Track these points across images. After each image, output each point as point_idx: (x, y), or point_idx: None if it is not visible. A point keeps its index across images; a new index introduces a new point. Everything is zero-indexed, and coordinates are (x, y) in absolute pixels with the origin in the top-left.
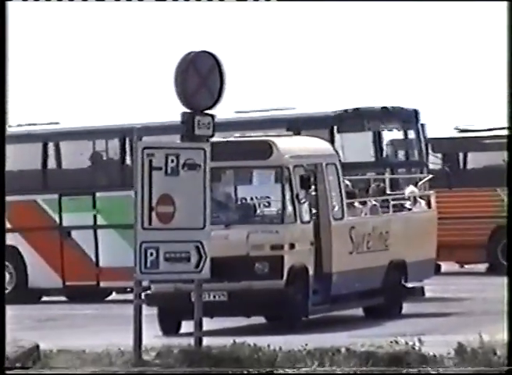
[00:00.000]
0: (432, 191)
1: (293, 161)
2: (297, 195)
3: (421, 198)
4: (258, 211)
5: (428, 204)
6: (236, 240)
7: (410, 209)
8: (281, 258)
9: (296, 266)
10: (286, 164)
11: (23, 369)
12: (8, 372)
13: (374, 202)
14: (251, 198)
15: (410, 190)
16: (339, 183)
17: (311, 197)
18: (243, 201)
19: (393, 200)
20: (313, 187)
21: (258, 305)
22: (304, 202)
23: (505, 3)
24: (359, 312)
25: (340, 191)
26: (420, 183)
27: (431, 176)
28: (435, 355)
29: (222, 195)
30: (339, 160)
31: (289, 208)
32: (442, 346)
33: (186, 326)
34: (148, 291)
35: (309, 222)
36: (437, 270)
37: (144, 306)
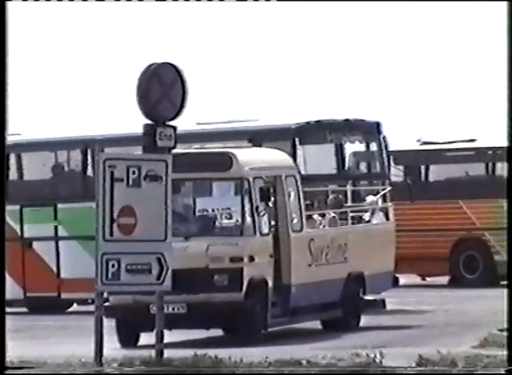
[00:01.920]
0: (390, 203)
1: (253, 173)
2: (257, 207)
3: (379, 210)
4: (218, 223)
5: (387, 216)
6: (196, 252)
7: (368, 221)
8: (240, 271)
9: (255, 279)
10: (246, 176)
11: (23, 368)
12: (8, 372)
13: (332, 214)
14: (211, 210)
15: (370, 200)
16: (299, 195)
17: (270, 209)
18: (203, 213)
19: (352, 212)
20: (272, 199)
21: (218, 317)
22: (264, 214)
23: (505, 3)
24: (317, 324)
25: (299, 203)
26: (379, 194)
27: (390, 188)
28: (396, 368)
29: (182, 207)
30: (299, 172)
31: (249, 220)
32: (403, 358)
33: (146, 338)
34: (107, 303)
35: (268, 234)
36: (395, 283)
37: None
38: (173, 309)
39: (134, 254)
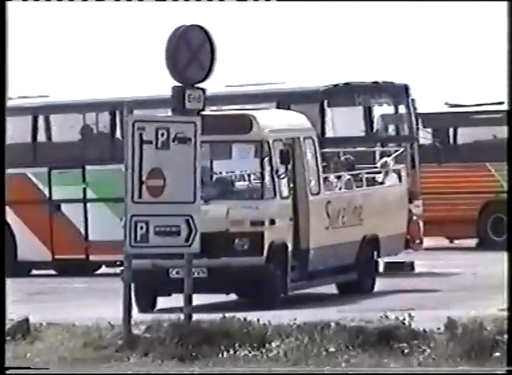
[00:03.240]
0: (402, 165)
1: (273, 135)
2: (277, 170)
3: (392, 171)
4: (237, 186)
5: (399, 178)
6: (216, 215)
7: (381, 183)
8: (261, 235)
9: (276, 243)
10: (266, 138)
11: (24, 368)
12: (8, 372)
13: (348, 176)
14: (230, 173)
15: (383, 161)
16: (316, 158)
17: (289, 171)
18: (222, 176)
19: (366, 174)
20: (291, 161)
21: (238, 281)
22: (284, 177)
23: (505, 3)
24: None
25: (317, 166)
26: (392, 156)
27: (402, 149)
28: (425, 331)
29: (201, 170)
30: (318, 134)
31: (269, 183)
32: (431, 321)
33: (167, 302)
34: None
35: (288, 197)
36: (407, 245)
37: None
38: (193, 274)
39: (163, 216)
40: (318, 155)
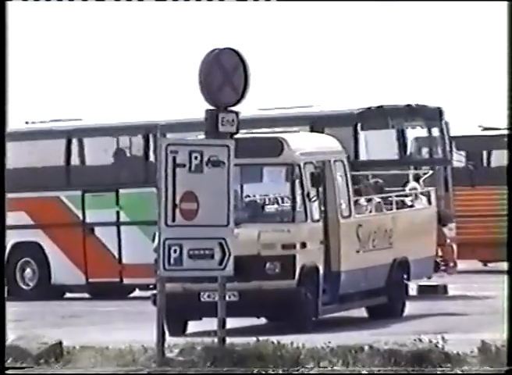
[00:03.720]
0: (432, 188)
1: (304, 158)
2: (308, 193)
3: (421, 194)
4: (268, 209)
5: (429, 200)
6: (247, 239)
7: (411, 206)
8: (293, 258)
9: (307, 266)
10: (297, 161)
11: (24, 368)
12: (8, 372)
13: (378, 199)
14: (261, 196)
15: (411, 186)
16: (347, 180)
17: (320, 194)
18: (253, 199)
19: (396, 196)
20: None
21: (269, 305)
22: (315, 200)
23: (505, 3)
24: (362, 312)
25: (348, 188)
26: (421, 179)
27: (431, 172)
28: (458, 354)
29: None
30: (347, 156)
31: (300, 206)
32: (465, 344)
33: (197, 326)
34: (155, 291)
35: (319, 220)
36: (437, 268)
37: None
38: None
39: (196, 239)
40: (349, 177)
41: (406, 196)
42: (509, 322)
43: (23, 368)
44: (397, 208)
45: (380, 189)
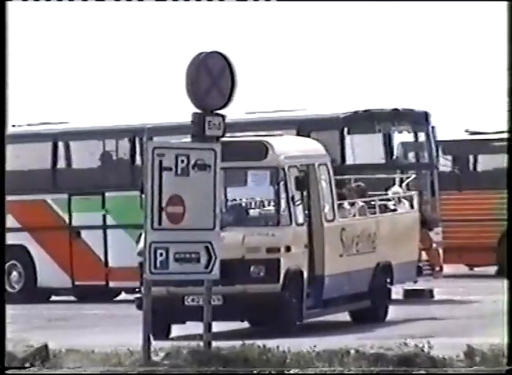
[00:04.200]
0: (414, 192)
1: (288, 161)
2: (292, 197)
3: (404, 198)
4: (253, 213)
5: (411, 205)
6: (232, 242)
7: (394, 210)
8: (277, 262)
9: (291, 270)
10: (282, 165)
11: (24, 368)
12: (8, 372)
13: (361, 203)
14: (246, 200)
15: (394, 190)
16: (331, 184)
17: (305, 198)
18: (237, 202)
19: (379, 201)
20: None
21: (254, 309)
22: (299, 204)
23: (505, 3)
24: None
25: (331, 192)
26: (404, 183)
27: (414, 176)
28: (444, 358)
29: None
30: (332, 160)
31: (285, 210)
32: (451, 349)
33: (182, 330)
34: (139, 295)
35: (303, 224)
36: (419, 273)
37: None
38: None
39: (183, 243)
40: (333, 181)
41: (389, 200)
42: (509, 323)
43: (24, 368)
44: (380, 213)
45: (362, 193)
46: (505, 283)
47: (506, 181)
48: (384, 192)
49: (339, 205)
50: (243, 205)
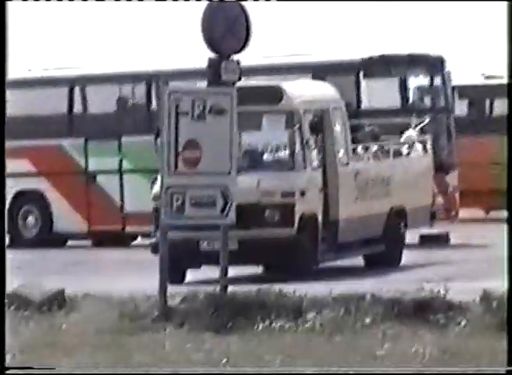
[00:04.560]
0: (428, 136)
1: (303, 105)
2: (307, 141)
3: (418, 142)
4: (268, 157)
5: (425, 149)
6: (246, 187)
7: (407, 154)
8: (292, 206)
9: (306, 214)
10: (297, 109)
11: (24, 368)
12: (8, 372)
13: (375, 148)
14: (261, 144)
15: (407, 134)
16: (345, 129)
17: (319, 142)
18: (252, 146)
19: (393, 145)
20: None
21: (269, 253)
22: (314, 148)
23: (505, 3)
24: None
25: (346, 136)
26: (417, 127)
27: (428, 120)
28: (460, 302)
29: None
30: (348, 104)
31: (300, 154)
32: (467, 293)
33: (199, 274)
34: (153, 240)
35: (318, 168)
36: (432, 218)
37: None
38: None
39: (199, 187)
40: (347, 126)
41: (402, 144)
42: (508, 322)
43: (24, 368)
44: (394, 157)
45: (376, 137)
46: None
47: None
48: (398, 136)
49: (354, 150)
50: (259, 149)
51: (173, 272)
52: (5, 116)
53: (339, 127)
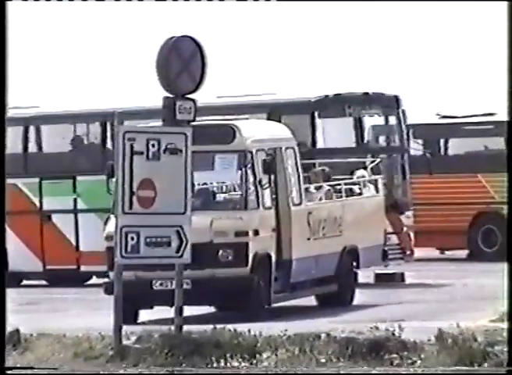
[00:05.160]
0: (380, 176)
1: (256, 145)
2: (260, 180)
3: (369, 182)
4: (220, 197)
5: (376, 188)
6: (200, 226)
7: (360, 194)
8: (246, 245)
9: (259, 253)
10: (249, 148)
11: (24, 369)
12: (8, 372)
13: (327, 187)
14: (213, 183)
15: (359, 174)
16: (298, 168)
17: (272, 182)
18: (205, 186)
19: (345, 185)
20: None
21: (222, 293)
22: (267, 187)
23: (505, 3)
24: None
25: (298, 176)
26: (369, 167)
27: (379, 160)
28: (415, 342)
29: None
30: (299, 144)
31: (253, 193)
32: (422, 332)
33: (152, 314)
34: (107, 279)
35: (271, 208)
36: (384, 257)
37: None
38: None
39: (153, 227)
40: (299, 165)
41: (354, 184)
42: (508, 323)
43: (24, 368)
44: (346, 196)
45: (328, 177)
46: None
47: (507, 166)
48: (349, 176)
49: (306, 189)
50: (211, 189)
51: (126, 311)
52: (5, 116)
53: (291, 167)
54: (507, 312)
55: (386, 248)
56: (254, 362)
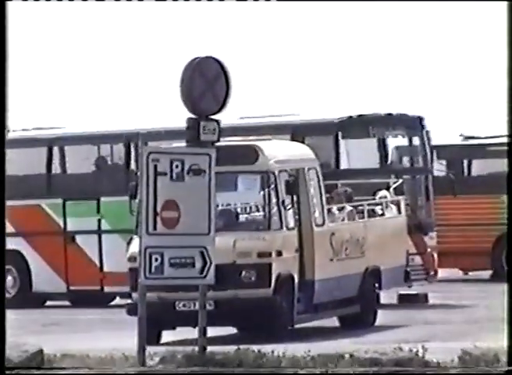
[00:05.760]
0: (402, 196)
1: (278, 166)
2: (283, 201)
3: (391, 203)
4: (243, 217)
5: (399, 209)
6: (223, 247)
7: (382, 215)
8: (269, 266)
9: (282, 274)
10: (272, 169)
11: (25, 369)
12: (8, 372)
13: (350, 208)
14: (236, 204)
15: (381, 194)
16: (320, 189)
17: (295, 202)
18: (228, 207)
19: (367, 205)
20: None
21: (245, 314)
22: (290, 208)
23: (505, 3)
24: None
25: (321, 197)
26: (391, 187)
27: (401, 181)
28: (438, 362)
29: None
30: (322, 165)
31: (275, 214)
32: (445, 353)
33: (176, 334)
34: (130, 301)
35: (294, 228)
36: (407, 278)
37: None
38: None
39: (177, 248)
40: (322, 186)
41: (377, 205)
42: (509, 325)
43: (24, 368)
44: (368, 217)
45: (350, 198)
46: (505, 286)
47: (507, 186)
48: (371, 197)
49: (329, 210)
50: (234, 209)
51: (149, 332)
52: (4, 117)
53: (314, 187)
54: (507, 312)
55: (409, 269)
56: None
